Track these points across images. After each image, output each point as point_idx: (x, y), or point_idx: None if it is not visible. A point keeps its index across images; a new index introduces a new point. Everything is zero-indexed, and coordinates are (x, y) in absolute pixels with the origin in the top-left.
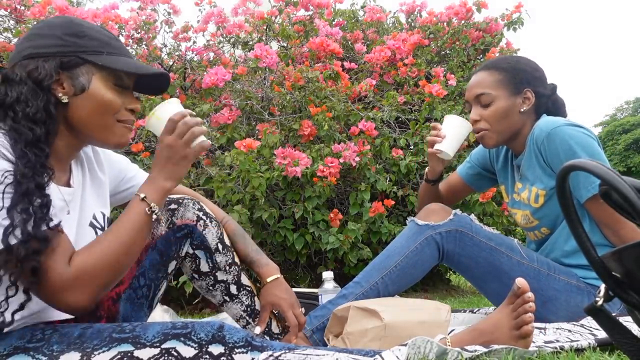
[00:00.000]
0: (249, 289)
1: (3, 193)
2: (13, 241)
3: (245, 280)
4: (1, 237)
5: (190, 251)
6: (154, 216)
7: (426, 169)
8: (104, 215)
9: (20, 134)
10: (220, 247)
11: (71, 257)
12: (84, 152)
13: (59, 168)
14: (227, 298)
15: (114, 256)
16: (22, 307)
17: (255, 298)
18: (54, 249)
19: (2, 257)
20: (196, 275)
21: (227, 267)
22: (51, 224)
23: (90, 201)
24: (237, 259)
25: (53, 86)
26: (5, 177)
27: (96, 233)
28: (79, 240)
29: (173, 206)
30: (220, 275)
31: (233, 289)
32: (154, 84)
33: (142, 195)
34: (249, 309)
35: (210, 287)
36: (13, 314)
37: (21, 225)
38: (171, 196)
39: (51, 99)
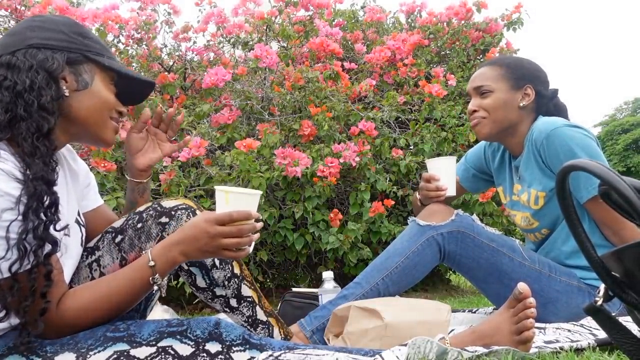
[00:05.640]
0: (250, 299)
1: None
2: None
3: (246, 291)
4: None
5: (185, 267)
6: (155, 287)
7: (417, 195)
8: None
9: (34, 124)
10: (217, 262)
11: (62, 296)
12: (60, 151)
13: None
14: (227, 310)
15: (100, 313)
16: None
17: (257, 308)
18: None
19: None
20: (194, 288)
21: (226, 282)
22: (58, 226)
23: (73, 198)
24: (236, 270)
25: (59, 79)
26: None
27: (80, 230)
28: (70, 239)
29: (164, 219)
30: (219, 291)
31: (233, 302)
32: (135, 94)
33: (151, 263)
34: (250, 319)
35: (209, 300)
36: None
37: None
38: (165, 205)
39: (59, 91)
